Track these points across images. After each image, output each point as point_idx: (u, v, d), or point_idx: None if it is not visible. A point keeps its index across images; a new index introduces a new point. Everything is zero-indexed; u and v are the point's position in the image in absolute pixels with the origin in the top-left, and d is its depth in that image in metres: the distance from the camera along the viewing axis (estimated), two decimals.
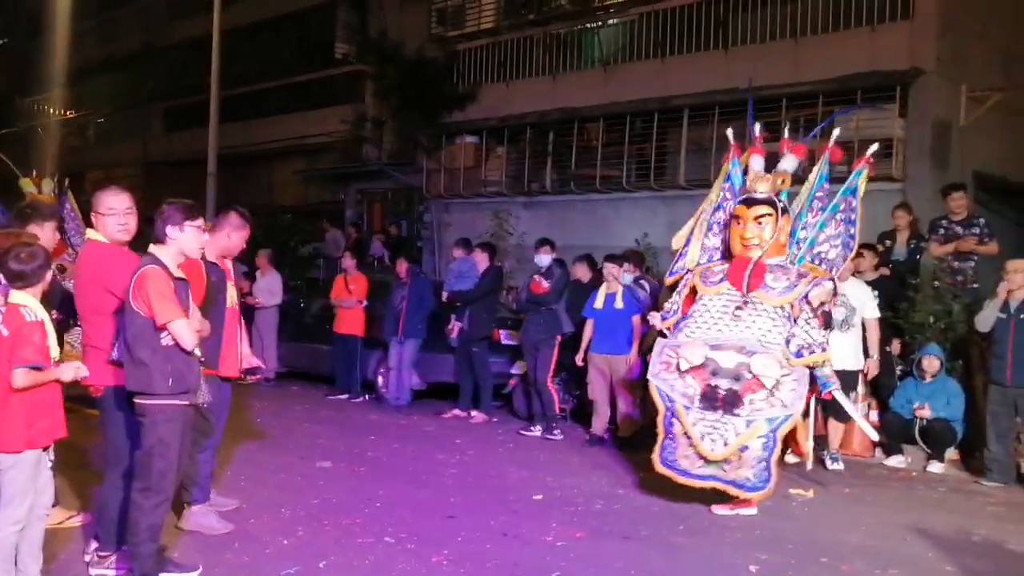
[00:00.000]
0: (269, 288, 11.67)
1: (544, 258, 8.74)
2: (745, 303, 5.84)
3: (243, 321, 5.54)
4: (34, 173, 9.78)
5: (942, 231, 8.48)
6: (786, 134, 6.74)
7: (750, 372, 5.53)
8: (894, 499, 6.36)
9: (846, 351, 7.14)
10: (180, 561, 4.23)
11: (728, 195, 6.49)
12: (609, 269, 8.22)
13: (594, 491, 6.29)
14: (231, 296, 5.14)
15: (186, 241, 4.06)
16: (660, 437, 5.84)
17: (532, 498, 6.00)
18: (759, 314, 5.81)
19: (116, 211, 4.23)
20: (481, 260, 9.50)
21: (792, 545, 5.02)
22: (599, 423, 8.16)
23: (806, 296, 5.73)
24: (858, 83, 12.42)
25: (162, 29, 26.84)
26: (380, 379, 10.31)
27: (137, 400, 3.93)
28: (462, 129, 17.75)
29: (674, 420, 5.73)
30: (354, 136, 19.23)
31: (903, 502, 6.31)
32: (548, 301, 8.51)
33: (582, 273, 9.09)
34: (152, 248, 4.05)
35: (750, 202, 5.98)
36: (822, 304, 5.76)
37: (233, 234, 5.17)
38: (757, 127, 6.46)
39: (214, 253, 4.97)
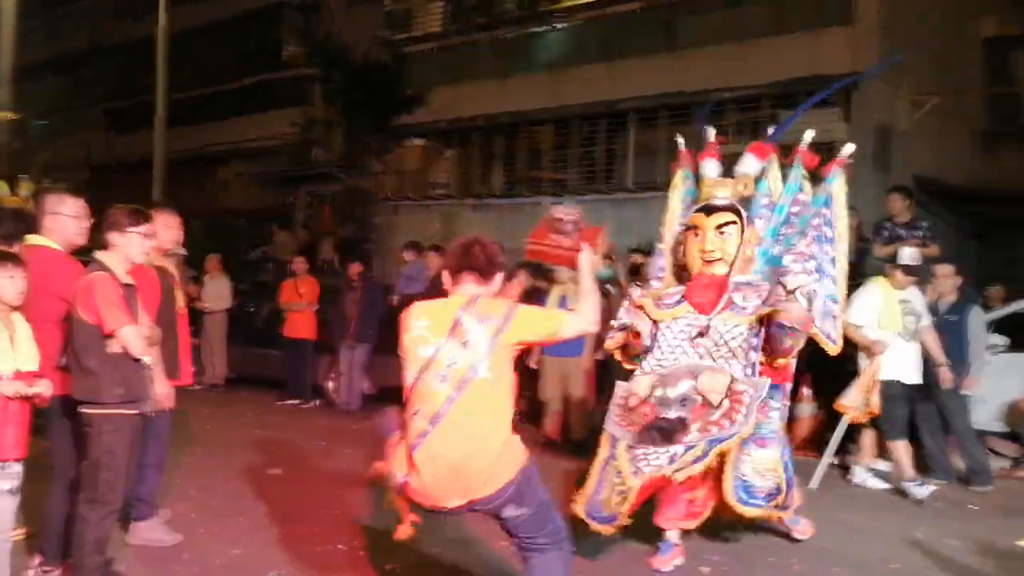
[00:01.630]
0: (217, 292, 11.52)
1: None
2: (708, 327, 4.75)
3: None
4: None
5: (886, 233, 8.66)
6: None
7: (697, 394, 4.58)
8: (841, 497, 6.48)
9: (912, 363, 6.74)
10: (127, 574, 4.15)
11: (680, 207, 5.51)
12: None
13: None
14: (179, 301, 5.06)
15: (131, 247, 3.99)
16: (590, 484, 4.84)
17: None
18: (722, 339, 4.74)
19: (79, 215, 4.17)
20: (432, 263, 9.49)
21: (742, 546, 5.10)
22: (551, 425, 8.20)
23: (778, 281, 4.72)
24: (802, 87, 12.64)
25: (108, 29, 26.31)
26: (331, 384, 10.23)
27: (83, 409, 3.85)
28: (411, 132, 17.70)
29: (610, 463, 4.75)
30: (303, 139, 19.08)
31: (851, 500, 6.43)
32: None
33: (524, 279, 9.19)
34: (98, 254, 3.97)
35: (709, 210, 4.93)
36: (799, 287, 4.64)
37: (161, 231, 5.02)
38: (712, 131, 5.53)
39: (158, 258, 4.88)
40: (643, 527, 4.83)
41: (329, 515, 5.50)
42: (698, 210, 5.04)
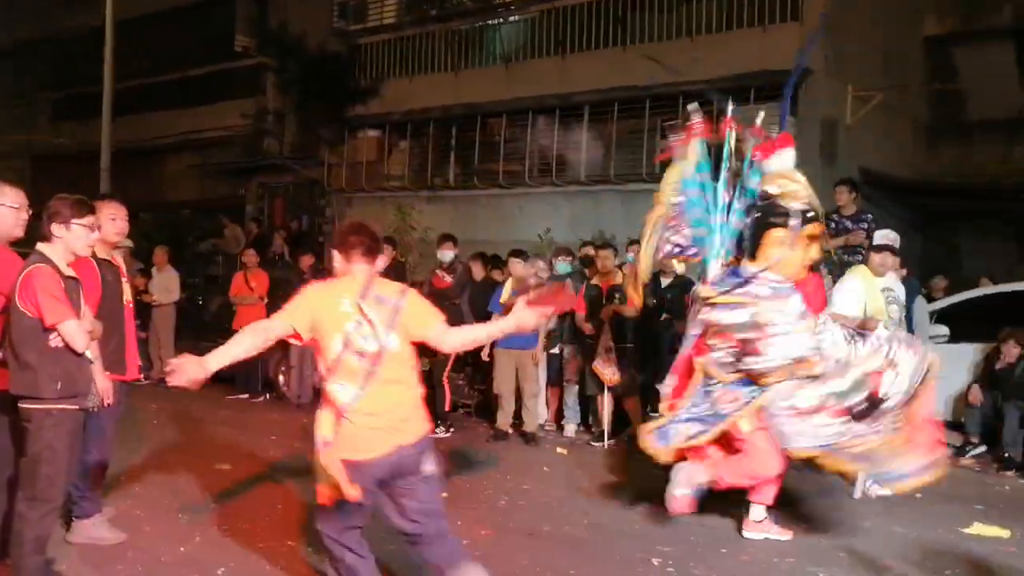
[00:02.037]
0: (165, 285, 11.35)
1: (447, 253, 8.76)
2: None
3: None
4: None
5: (833, 225, 8.80)
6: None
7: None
8: (790, 487, 6.57)
9: None
10: (69, 574, 4.07)
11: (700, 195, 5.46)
12: (513, 264, 8.29)
13: (499, 487, 6.32)
14: (126, 294, 4.95)
15: (73, 239, 3.91)
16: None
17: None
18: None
19: (20, 206, 4.07)
20: (384, 255, 9.43)
21: (693, 537, 5.15)
22: (504, 418, 8.21)
23: None
24: (751, 82, 12.79)
25: (53, 17, 25.65)
26: (281, 378, 10.14)
27: (22, 405, 3.77)
28: (364, 123, 17.57)
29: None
30: (255, 130, 18.81)
31: (799, 490, 6.53)
32: (450, 296, 8.51)
33: (477, 271, 9.25)
34: (40, 246, 3.89)
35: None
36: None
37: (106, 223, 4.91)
38: (761, 114, 5.68)
39: (104, 250, 4.78)
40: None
41: (278, 511, 5.45)
42: (814, 220, 5.10)
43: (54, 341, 3.76)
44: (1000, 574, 4.63)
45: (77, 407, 3.87)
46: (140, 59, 21.79)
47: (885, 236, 6.51)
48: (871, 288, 6.42)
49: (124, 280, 4.95)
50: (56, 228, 3.88)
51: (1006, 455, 7.45)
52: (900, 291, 6.65)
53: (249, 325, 3.69)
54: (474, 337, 3.95)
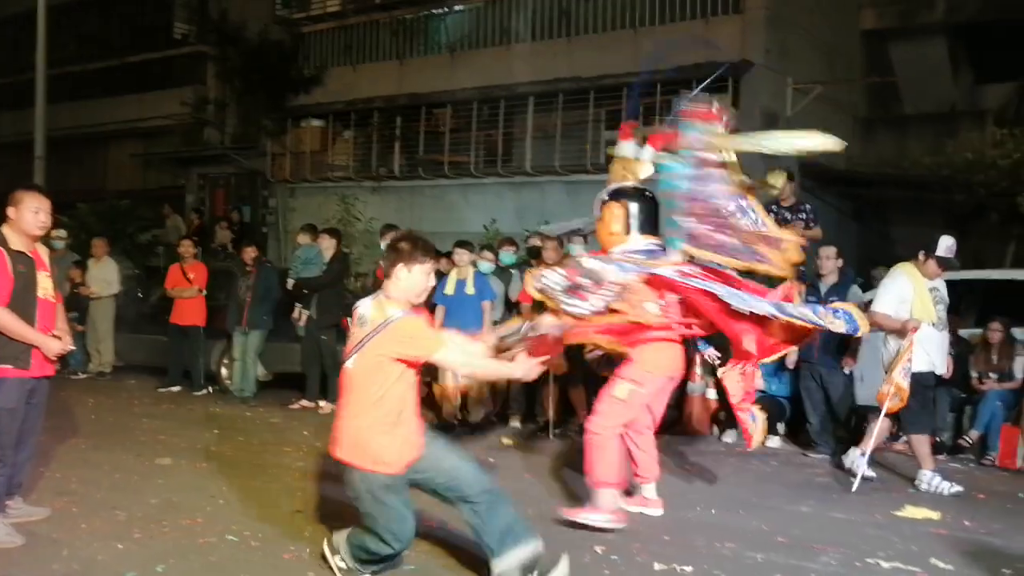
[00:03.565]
0: (103, 277, 11.11)
1: None
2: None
3: (66, 313, 5.20)
4: None
5: (772, 216, 8.96)
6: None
7: None
8: (731, 474, 6.69)
9: (943, 354, 6.45)
10: None
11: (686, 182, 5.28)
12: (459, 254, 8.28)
13: None
14: (44, 287, 4.78)
15: None
16: None
17: None
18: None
19: None
20: (327, 246, 9.36)
21: (636, 524, 5.21)
22: (449, 409, 8.21)
23: None
24: (694, 73, 12.90)
25: None
26: (224, 371, 10.00)
27: None
28: (308, 112, 17.38)
29: None
30: (195, 119, 18.50)
31: (739, 476, 6.65)
32: None
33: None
34: None
35: None
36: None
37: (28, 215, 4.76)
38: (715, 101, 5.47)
39: (23, 242, 4.63)
40: None
41: (220, 505, 5.38)
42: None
43: None
44: (930, 552, 4.77)
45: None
46: (76, 45, 21.23)
47: (949, 249, 6.18)
48: (919, 287, 6.19)
49: (44, 273, 4.78)
50: None
51: (938, 440, 7.66)
52: (944, 290, 6.40)
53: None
54: (478, 367, 4.29)
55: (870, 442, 6.32)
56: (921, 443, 6.28)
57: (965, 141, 12.94)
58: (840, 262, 7.55)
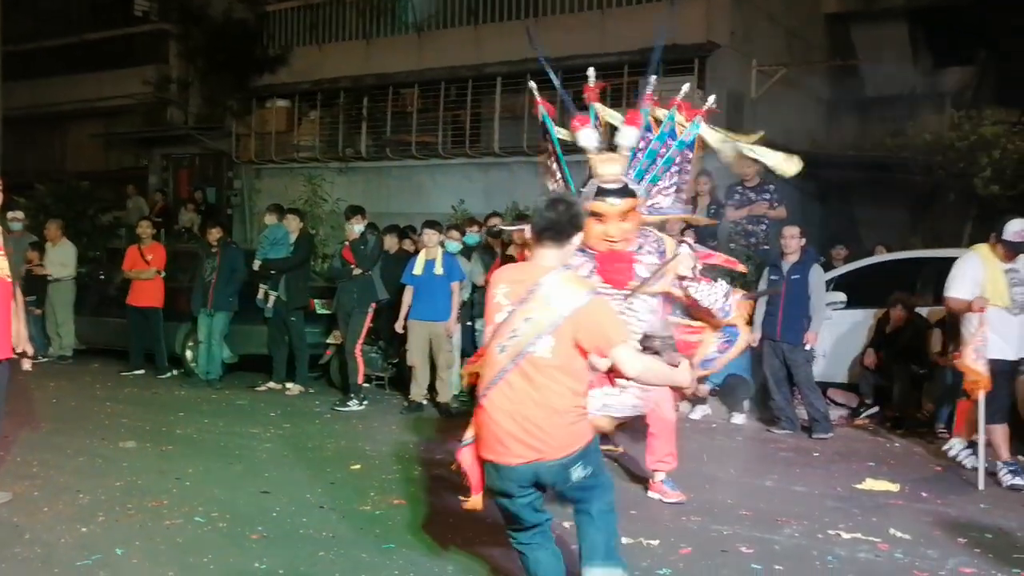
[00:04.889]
0: (61, 259, 10.94)
1: (356, 227, 8.66)
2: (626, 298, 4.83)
3: (22, 296, 5.11)
4: None
5: (737, 196, 9.06)
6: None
7: None
8: (697, 450, 6.75)
9: (1018, 339, 5.94)
10: None
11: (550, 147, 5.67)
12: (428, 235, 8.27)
13: (412, 458, 6.36)
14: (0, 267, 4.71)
15: None
16: None
17: (350, 468, 5.98)
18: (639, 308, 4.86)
19: None
20: (294, 227, 9.30)
21: None
22: (418, 390, 8.22)
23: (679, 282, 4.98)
24: (660, 55, 12.94)
25: None
26: (189, 353, 9.92)
27: None
28: (273, 92, 17.13)
29: None
30: (157, 98, 18.20)
31: (705, 452, 6.74)
32: (362, 268, 8.44)
33: (390, 243, 9.23)
34: None
35: (610, 195, 4.83)
36: (694, 268, 4.98)
37: None
38: (685, 87, 5.68)
39: None
40: None
41: (186, 487, 5.36)
42: (598, 198, 4.82)
43: None
44: (889, 523, 4.88)
45: None
46: (33, 21, 20.73)
47: (1017, 234, 5.83)
48: (993, 269, 5.92)
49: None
50: None
51: (896, 415, 7.82)
52: None
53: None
54: (657, 372, 3.54)
55: (975, 432, 5.97)
56: (993, 433, 5.87)
57: (925, 123, 13.11)
58: (803, 241, 7.63)
